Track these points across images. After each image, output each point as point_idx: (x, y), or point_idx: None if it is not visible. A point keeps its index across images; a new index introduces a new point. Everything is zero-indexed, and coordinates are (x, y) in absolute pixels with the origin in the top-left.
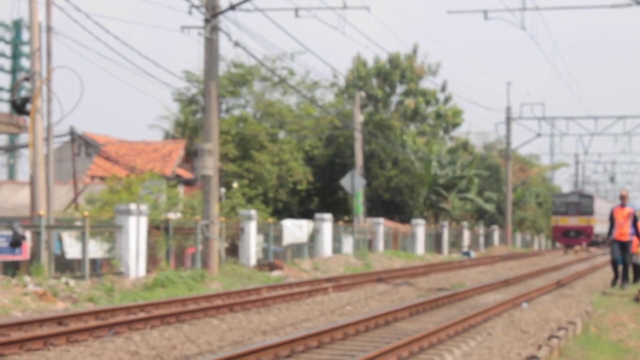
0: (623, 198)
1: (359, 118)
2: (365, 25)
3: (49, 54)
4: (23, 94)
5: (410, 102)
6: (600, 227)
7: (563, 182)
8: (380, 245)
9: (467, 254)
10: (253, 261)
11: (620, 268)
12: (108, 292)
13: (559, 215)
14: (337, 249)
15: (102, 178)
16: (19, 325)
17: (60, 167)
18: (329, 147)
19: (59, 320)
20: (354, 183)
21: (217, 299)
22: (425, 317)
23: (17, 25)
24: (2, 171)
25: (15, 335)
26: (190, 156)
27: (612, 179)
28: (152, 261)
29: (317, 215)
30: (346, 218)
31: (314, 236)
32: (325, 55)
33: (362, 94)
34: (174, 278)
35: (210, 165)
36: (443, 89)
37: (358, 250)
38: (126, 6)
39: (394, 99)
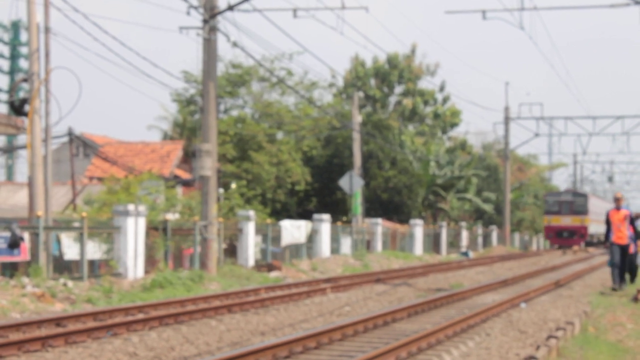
0: (618, 200)
1: (357, 118)
2: (363, 26)
3: (47, 54)
4: (21, 95)
5: (408, 102)
6: (595, 227)
7: (561, 182)
8: (379, 245)
9: (465, 254)
10: (251, 262)
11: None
12: (106, 293)
13: (552, 215)
14: (335, 250)
15: (100, 179)
16: (17, 326)
17: (59, 168)
18: (327, 148)
19: (57, 321)
20: (352, 183)
21: (215, 300)
22: (423, 317)
23: (15, 26)
24: (1, 172)
25: (14, 336)
26: (189, 157)
27: (610, 179)
28: (150, 262)
29: (316, 216)
30: (344, 218)
31: (312, 237)
32: (323, 55)
33: (361, 94)
34: (172, 279)
35: (208, 165)
36: (441, 89)
37: (356, 251)
38: (124, 7)
39: (392, 99)
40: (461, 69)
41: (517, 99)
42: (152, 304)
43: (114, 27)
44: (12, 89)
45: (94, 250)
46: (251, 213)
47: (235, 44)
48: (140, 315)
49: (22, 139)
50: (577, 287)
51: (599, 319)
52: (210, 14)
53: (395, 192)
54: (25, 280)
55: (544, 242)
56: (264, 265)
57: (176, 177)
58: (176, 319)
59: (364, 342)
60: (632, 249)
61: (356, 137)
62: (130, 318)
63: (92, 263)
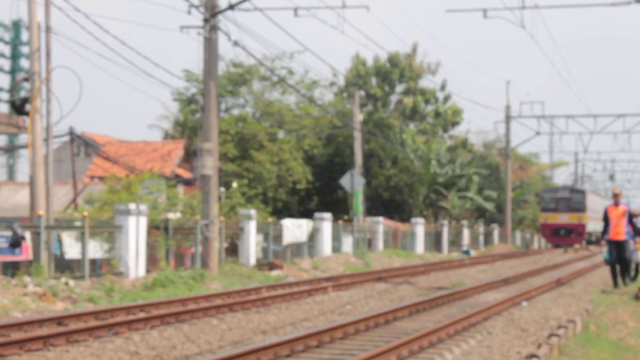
0: (616, 196)
1: (358, 117)
2: (364, 25)
3: (48, 54)
4: (22, 94)
5: (409, 101)
6: (594, 225)
7: (563, 180)
8: (380, 244)
9: (466, 252)
10: (253, 261)
11: (617, 268)
12: (108, 292)
13: (548, 212)
14: (336, 248)
15: (101, 178)
16: (19, 325)
17: (60, 168)
18: (329, 147)
19: (59, 320)
20: (354, 182)
21: (216, 298)
22: (425, 316)
23: (16, 26)
24: (2, 172)
25: (15, 335)
26: (190, 156)
27: (611, 177)
28: (151, 261)
29: (317, 215)
30: (346, 217)
31: (313, 235)
32: (324, 54)
33: (362, 93)
34: (173, 278)
35: (209, 164)
36: (442, 87)
37: (358, 250)
38: (125, 6)
39: (393, 98)
40: (462, 67)
41: (518, 97)
42: (154, 302)
43: (114, 27)
44: (13, 88)
45: (96, 249)
46: (252, 212)
47: (236, 43)
48: (142, 314)
49: (23, 138)
50: (579, 285)
51: (601, 317)
52: (211, 13)
53: (397, 191)
54: (27, 279)
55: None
56: (266, 264)
57: (177, 176)
58: (178, 318)
59: (366, 340)
60: (632, 245)
61: (357, 135)
62: (131, 317)
63: (93, 262)
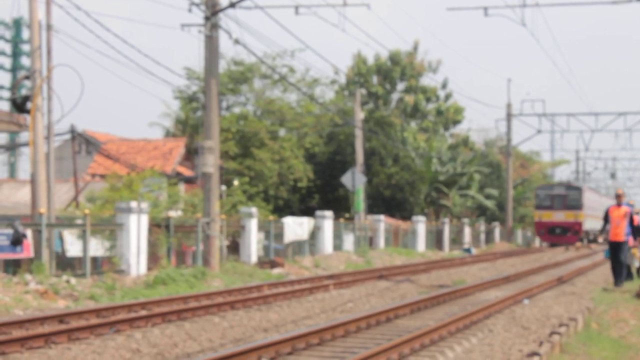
0: (619, 197)
1: (360, 115)
2: (365, 23)
3: (49, 52)
4: (23, 92)
5: (410, 99)
6: (591, 223)
7: (564, 178)
8: (381, 242)
9: (468, 250)
10: (254, 259)
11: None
12: (109, 290)
13: (543, 210)
14: (338, 246)
15: (102, 176)
16: (20, 323)
17: (61, 165)
18: (330, 145)
19: (60, 318)
20: (355, 180)
21: (218, 296)
22: (426, 314)
23: (17, 24)
24: (3, 169)
25: (17, 333)
26: (191, 154)
27: (612, 176)
28: (153, 259)
29: (318, 213)
30: (347, 215)
31: (314, 233)
32: (325, 52)
33: (363, 91)
34: (175, 276)
35: (210, 162)
36: (443, 86)
37: (359, 248)
38: (126, 4)
39: (395, 96)
40: (463, 65)
41: (519, 95)
42: (155, 300)
43: (115, 25)
44: (14, 86)
45: (97, 247)
46: (254, 210)
47: (237, 41)
48: (143, 312)
49: (24, 136)
50: (580, 283)
51: (602, 315)
52: (212, 11)
53: (398, 189)
54: (28, 277)
55: None
56: (267, 262)
57: (178, 174)
58: (179, 316)
59: (367, 338)
60: (631, 242)
61: (358, 134)
62: (133, 315)
63: (94, 260)
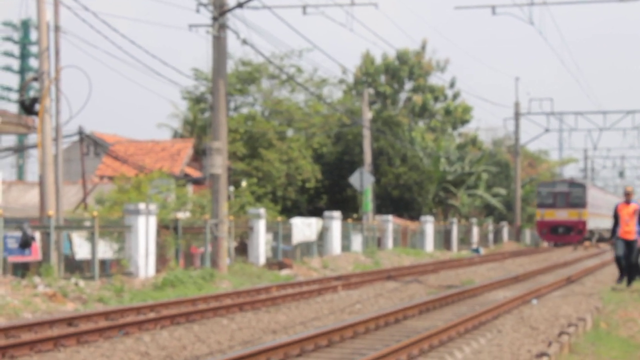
0: (628, 194)
1: (367, 115)
2: (373, 22)
3: (57, 53)
4: (32, 94)
5: (418, 98)
6: (595, 222)
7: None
8: (389, 242)
9: (476, 250)
10: (262, 260)
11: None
12: (118, 293)
13: (545, 208)
14: (346, 247)
15: (110, 178)
16: (29, 326)
17: (69, 167)
18: (338, 145)
19: (69, 321)
20: (363, 180)
21: (226, 298)
22: (435, 314)
23: (25, 25)
24: (12, 172)
25: (26, 336)
26: (199, 155)
27: (621, 174)
28: (161, 261)
29: (326, 213)
30: (355, 216)
31: (323, 234)
32: (333, 52)
33: (371, 90)
34: (183, 278)
35: (219, 163)
36: (451, 85)
37: (367, 248)
38: (134, 5)
39: (402, 95)
40: (471, 64)
41: (527, 94)
42: (164, 303)
43: (123, 25)
44: (23, 88)
45: (105, 249)
46: (262, 211)
47: (244, 42)
48: (152, 315)
49: (32, 138)
50: (589, 282)
51: (611, 315)
52: (220, 12)
53: (406, 189)
54: (37, 280)
55: None
56: (275, 263)
57: (187, 175)
58: (188, 318)
59: (376, 339)
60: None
61: (366, 133)
62: (141, 317)
63: (103, 262)
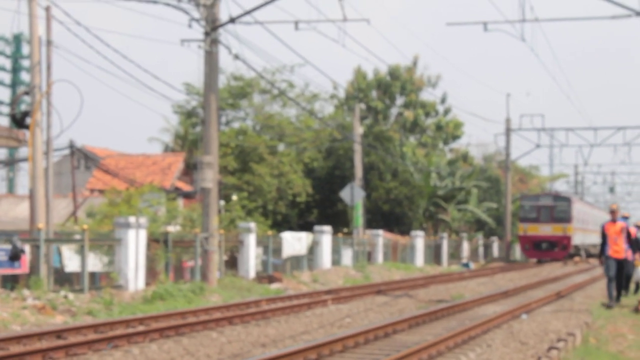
0: (613, 213)
1: (359, 130)
2: (365, 38)
3: (48, 67)
4: (23, 107)
5: (409, 114)
6: (581, 237)
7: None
8: (380, 257)
9: (466, 265)
10: (252, 274)
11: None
12: (107, 306)
13: (529, 223)
14: (336, 261)
15: (101, 191)
16: (18, 339)
17: (60, 181)
18: (329, 159)
19: (58, 333)
20: (354, 195)
21: (216, 311)
22: (424, 329)
23: (17, 39)
24: (2, 185)
25: (14, 349)
26: (190, 169)
27: (611, 190)
28: (151, 274)
29: (317, 228)
30: (345, 230)
31: (313, 248)
32: (325, 67)
33: (362, 106)
34: (173, 291)
35: (209, 177)
36: (443, 100)
37: (357, 262)
38: (126, 20)
39: (394, 110)
40: (462, 80)
41: (518, 110)
42: (153, 315)
43: (115, 40)
44: (14, 101)
45: (95, 262)
46: (252, 225)
47: (236, 57)
48: (141, 327)
49: (23, 151)
50: (578, 298)
51: (600, 330)
52: (212, 27)
53: (396, 204)
54: (26, 292)
55: None
56: (265, 277)
57: (177, 189)
58: (177, 331)
59: (365, 353)
60: (629, 256)
61: (357, 148)
62: (130, 330)
63: (93, 275)
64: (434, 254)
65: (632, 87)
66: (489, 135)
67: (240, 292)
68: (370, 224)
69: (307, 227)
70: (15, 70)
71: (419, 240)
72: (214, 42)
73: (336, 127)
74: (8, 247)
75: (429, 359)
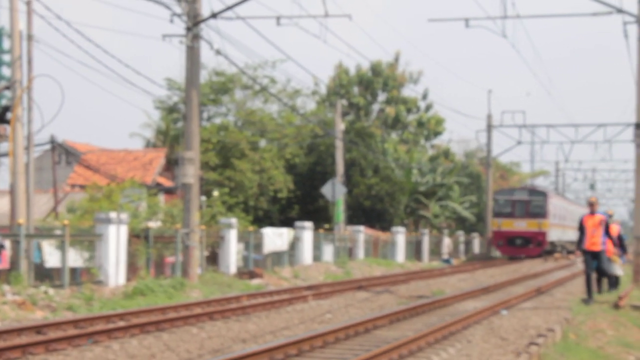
0: (592, 205)
1: (340, 126)
2: (347, 34)
3: (29, 62)
4: (3, 102)
5: (391, 110)
6: (557, 233)
7: None
8: (361, 253)
9: (447, 261)
10: (233, 269)
11: (594, 276)
12: (87, 301)
13: (503, 218)
14: (317, 257)
15: (82, 186)
16: None
17: (41, 176)
18: (310, 155)
19: (38, 329)
20: (335, 191)
21: (196, 307)
22: (405, 324)
23: None
24: None
25: None
26: (171, 164)
27: (592, 187)
28: (132, 270)
29: (298, 224)
30: (327, 226)
31: (294, 244)
32: (306, 63)
33: (344, 102)
34: (153, 286)
35: (191, 173)
36: (424, 97)
37: (338, 258)
38: (108, 14)
39: (376, 107)
40: (444, 77)
41: (499, 106)
42: (133, 311)
43: (97, 35)
44: None
45: (76, 257)
46: (233, 221)
47: (218, 52)
48: (121, 323)
49: (4, 146)
50: (558, 294)
51: (580, 326)
52: (194, 22)
53: (378, 200)
54: (6, 287)
55: None
56: (246, 272)
57: (158, 184)
58: (157, 327)
59: (345, 349)
60: (610, 251)
61: (339, 144)
62: (111, 325)
63: (73, 271)
64: (414, 250)
65: (613, 85)
66: (470, 132)
67: (221, 288)
68: (352, 220)
69: (288, 223)
70: None
71: (400, 236)
72: (196, 37)
73: (318, 123)
74: None
75: (409, 354)
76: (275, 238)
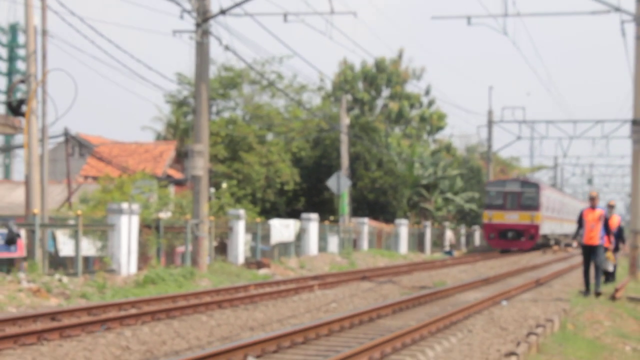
0: (593, 199)
1: (345, 121)
2: (352, 30)
3: (44, 56)
4: (19, 95)
5: (394, 105)
6: (550, 226)
7: None
8: (365, 244)
9: (449, 253)
10: (241, 259)
11: (592, 272)
12: (100, 289)
13: (494, 210)
14: (322, 248)
15: (95, 178)
16: (14, 320)
17: (54, 167)
18: (316, 149)
19: (53, 315)
20: (340, 184)
21: (206, 296)
22: (407, 314)
23: (13, 29)
24: None
25: (10, 330)
26: (181, 157)
27: (589, 182)
28: (143, 259)
29: (304, 215)
30: (332, 218)
31: (300, 235)
32: (312, 59)
33: (349, 97)
34: (164, 275)
35: (200, 165)
36: (427, 92)
37: (343, 249)
38: (120, 11)
39: (379, 102)
40: (446, 73)
41: (500, 102)
42: (145, 299)
43: (109, 30)
44: (10, 90)
45: (89, 247)
46: (241, 212)
47: (227, 48)
48: (133, 310)
49: (19, 138)
50: (557, 285)
51: (578, 317)
52: (203, 18)
53: (381, 193)
54: (22, 275)
55: None
56: (254, 262)
57: (169, 176)
58: (168, 314)
59: (350, 337)
60: (607, 244)
61: (344, 139)
62: (123, 313)
63: (86, 259)
64: (417, 242)
65: (610, 82)
66: (471, 127)
67: (229, 277)
68: (356, 212)
69: (294, 214)
70: (12, 59)
71: (403, 228)
72: (205, 33)
73: (323, 117)
74: (4, 231)
75: (412, 343)
76: (282, 229)
